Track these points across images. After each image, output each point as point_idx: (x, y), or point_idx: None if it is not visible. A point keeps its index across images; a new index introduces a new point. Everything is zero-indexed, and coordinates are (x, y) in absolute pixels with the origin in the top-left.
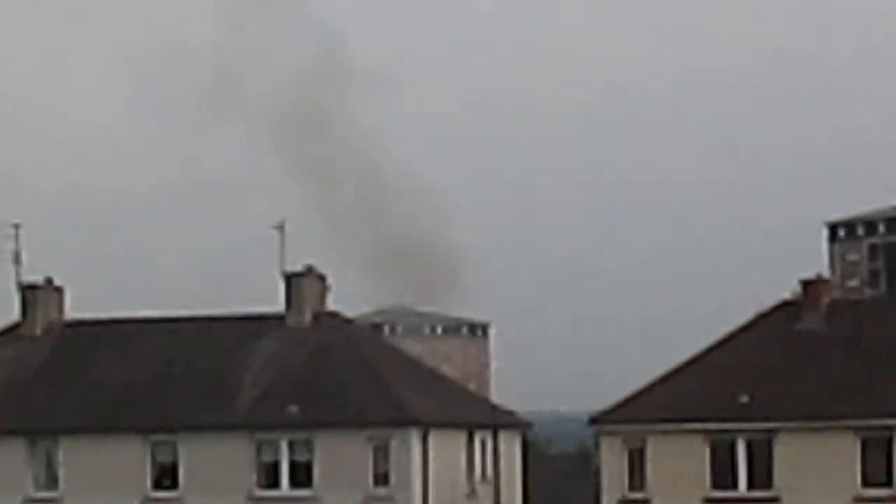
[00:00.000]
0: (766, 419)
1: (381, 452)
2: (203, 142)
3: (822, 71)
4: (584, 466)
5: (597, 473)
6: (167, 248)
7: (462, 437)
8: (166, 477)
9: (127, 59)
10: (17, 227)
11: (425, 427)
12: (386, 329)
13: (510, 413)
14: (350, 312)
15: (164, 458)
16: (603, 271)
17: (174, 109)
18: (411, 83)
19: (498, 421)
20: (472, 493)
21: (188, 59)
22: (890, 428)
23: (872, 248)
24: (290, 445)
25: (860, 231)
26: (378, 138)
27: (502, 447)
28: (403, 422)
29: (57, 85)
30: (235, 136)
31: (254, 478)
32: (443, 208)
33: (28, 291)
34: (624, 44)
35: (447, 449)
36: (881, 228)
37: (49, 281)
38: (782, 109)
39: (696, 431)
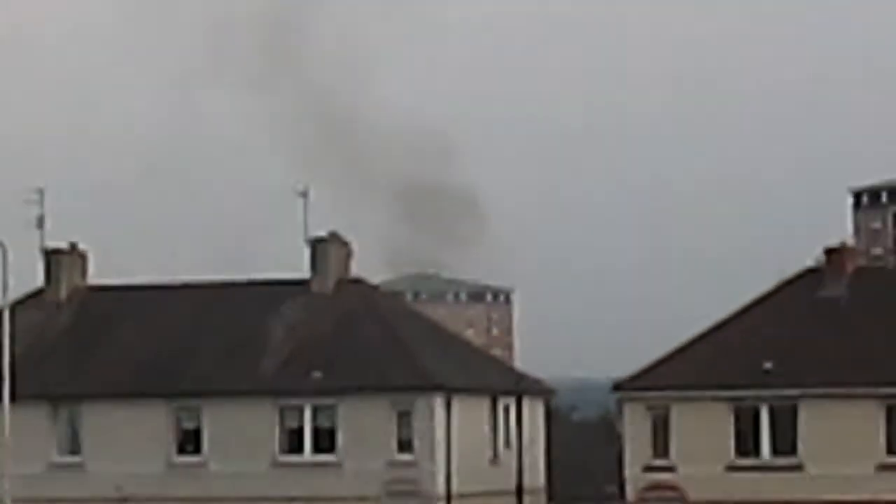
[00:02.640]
0: (790, 386)
1: (405, 418)
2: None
3: (843, 41)
4: (608, 433)
5: (620, 440)
6: (192, 214)
7: (485, 404)
8: (190, 442)
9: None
10: (41, 192)
11: (449, 393)
12: (409, 295)
13: (534, 379)
14: (374, 279)
15: (188, 423)
16: (627, 240)
17: (185, 70)
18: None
19: (521, 387)
20: (496, 459)
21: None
22: None
23: None
24: (314, 411)
25: (884, 199)
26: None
27: (526, 414)
28: (427, 388)
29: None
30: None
31: (277, 443)
32: (470, 168)
33: (52, 257)
34: None
35: (471, 415)
36: None
37: (73, 246)
38: (807, 78)
39: (720, 398)
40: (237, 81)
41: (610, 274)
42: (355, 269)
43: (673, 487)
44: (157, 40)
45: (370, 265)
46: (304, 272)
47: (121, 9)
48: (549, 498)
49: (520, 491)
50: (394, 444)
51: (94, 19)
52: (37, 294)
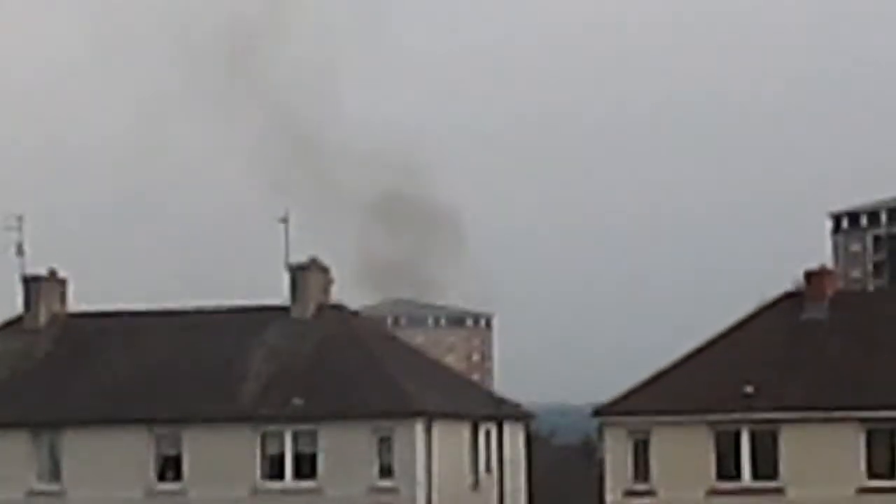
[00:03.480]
0: (771, 410)
1: (385, 444)
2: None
3: (827, 66)
4: (588, 458)
5: (601, 465)
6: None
7: (466, 429)
8: (170, 469)
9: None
10: (20, 218)
11: (429, 418)
12: (389, 320)
13: (514, 404)
14: (354, 304)
15: (168, 449)
16: (608, 265)
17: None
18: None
19: (502, 412)
20: (476, 484)
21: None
22: (894, 419)
23: (876, 238)
24: (295, 437)
25: (863, 222)
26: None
27: (506, 438)
28: (407, 413)
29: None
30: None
31: (258, 469)
32: (449, 190)
33: (31, 283)
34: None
35: (451, 440)
36: (884, 219)
37: (52, 273)
38: (786, 100)
39: (701, 422)
40: (208, 107)
41: (590, 298)
42: (334, 295)
43: None
44: (129, 67)
45: (346, 286)
46: (283, 298)
47: (93, 39)
48: None
49: None
50: (375, 470)
51: (67, 51)
52: (16, 321)
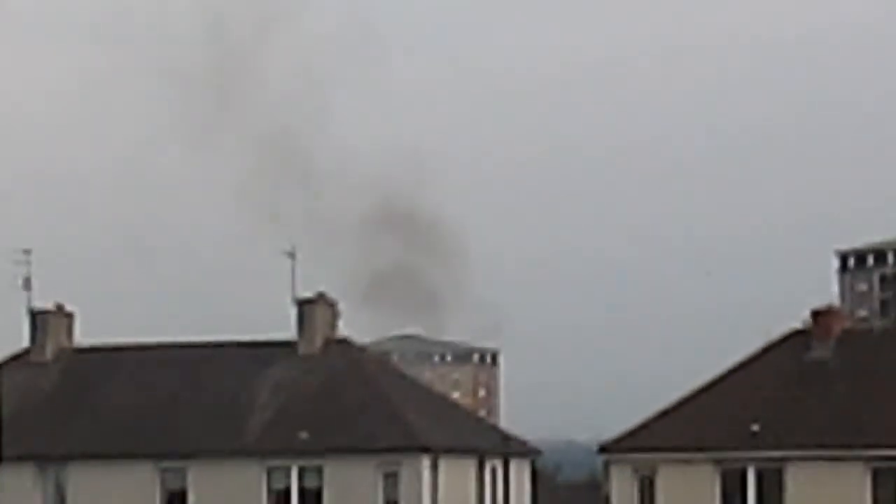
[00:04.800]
0: (777, 448)
1: (391, 479)
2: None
3: (833, 100)
4: (594, 495)
5: (607, 502)
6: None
7: (472, 465)
8: (176, 503)
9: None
10: (27, 252)
11: (435, 454)
12: (396, 356)
13: (520, 440)
14: (360, 339)
15: (174, 484)
16: (613, 301)
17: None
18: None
19: (508, 448)
20: None
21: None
22: None
23: (882, 278)
24: (301, 472)
25: (870, 261)
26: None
27: (512, 475)
28: (413, 449)
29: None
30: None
31: None
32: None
33: (38, 317)
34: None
35: (457, 476)
36: (890, 259)
37: (59, 307)
38: (794, 137)
39: (707, 460)
40: (197, 137)
41: (597, 336)
42: (341, 330)
43: None
44: (118, 99)
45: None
46: (290, 333)
47: (83, 73)
48: None
49: None
50: None
51: (61, 83)
52: (23, 355)
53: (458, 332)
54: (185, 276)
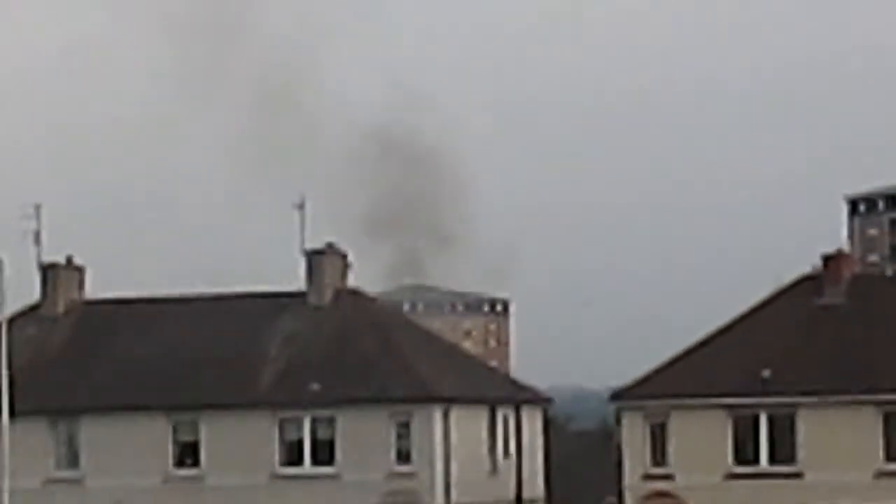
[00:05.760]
0: (788, 394)
1: (403, 429)
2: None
3: (842, 46)
4: (606, 442)
5: (618, 449)
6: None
7: (484, 414)
8: (188, 455)
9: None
10: (37, 207)
11: (447, 404)
12: (407, 306)
13: (531, 389)
14: (371, 290)
15: (186, 436)
16: (624, 249)
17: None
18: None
19: (519, 397)
20: (495, 469)
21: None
22: None
23: (893, 222)
24: (313, 423)
25: (881, 206)
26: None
27: (524, 423)
28: (425, 398)
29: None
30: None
31: (276, 456)
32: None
33: (48, 271)
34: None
35: (469, 425)
36: None
37: (69, 260)
38: (802, 84)
39: (719, 407)
40: (198, 89)
41: (607, 283)
42: (352, 281)
43: (671, 496)
44: (125, 49)
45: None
46: (300, 284)
47: (85, 28)
48: None
49: (519, 501)
50: (393, 456)
51: (78, 34)
52: (34, 309)
53: (467, 277)
54: (194, 228)
